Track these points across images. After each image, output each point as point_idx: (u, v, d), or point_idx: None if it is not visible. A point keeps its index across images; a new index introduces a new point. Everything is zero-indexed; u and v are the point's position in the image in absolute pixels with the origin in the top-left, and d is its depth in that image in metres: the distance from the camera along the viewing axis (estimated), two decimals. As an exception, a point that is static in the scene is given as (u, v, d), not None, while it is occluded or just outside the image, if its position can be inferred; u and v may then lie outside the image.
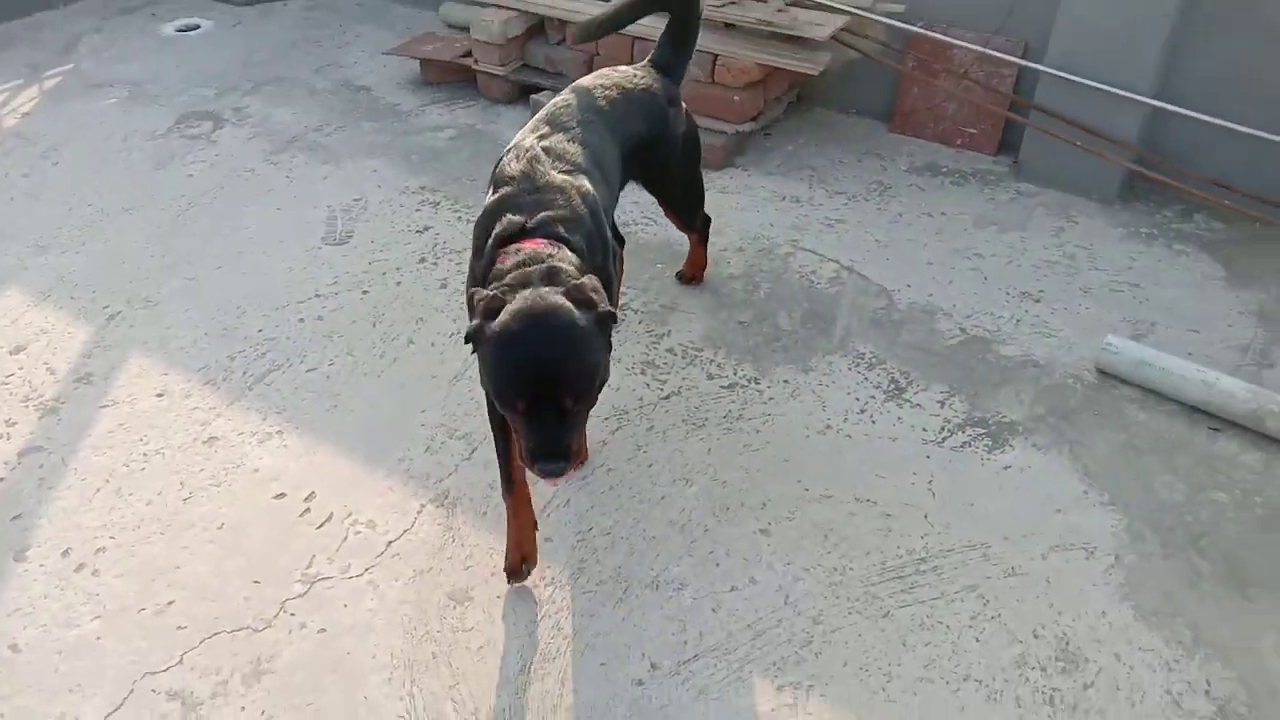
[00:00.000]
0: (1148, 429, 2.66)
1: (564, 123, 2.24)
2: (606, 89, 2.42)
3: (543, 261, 1.87)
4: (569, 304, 1.77)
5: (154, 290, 3.12)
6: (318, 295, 3.11)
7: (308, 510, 2.40)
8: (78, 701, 1.98)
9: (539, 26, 4.12)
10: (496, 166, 2.19)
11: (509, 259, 1.90)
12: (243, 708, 1.98)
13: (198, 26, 4.93)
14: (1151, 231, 3.47)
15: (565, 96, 2.37)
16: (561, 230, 1.97)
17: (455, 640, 2.11)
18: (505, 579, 2.20)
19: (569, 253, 1.93)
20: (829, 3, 3.66)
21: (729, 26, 3.72)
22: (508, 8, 4.01)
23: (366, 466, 2.52)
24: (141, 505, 2.40)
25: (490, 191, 2.14)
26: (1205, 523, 2.40)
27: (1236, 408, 2.61)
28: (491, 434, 2.18)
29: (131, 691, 2.00)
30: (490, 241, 1.98)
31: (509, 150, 2.20)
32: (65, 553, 2.28)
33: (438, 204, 3.57)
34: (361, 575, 2.25)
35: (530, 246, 1.92)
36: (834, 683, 2.03)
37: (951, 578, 2.25)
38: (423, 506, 2.42)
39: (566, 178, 2.08)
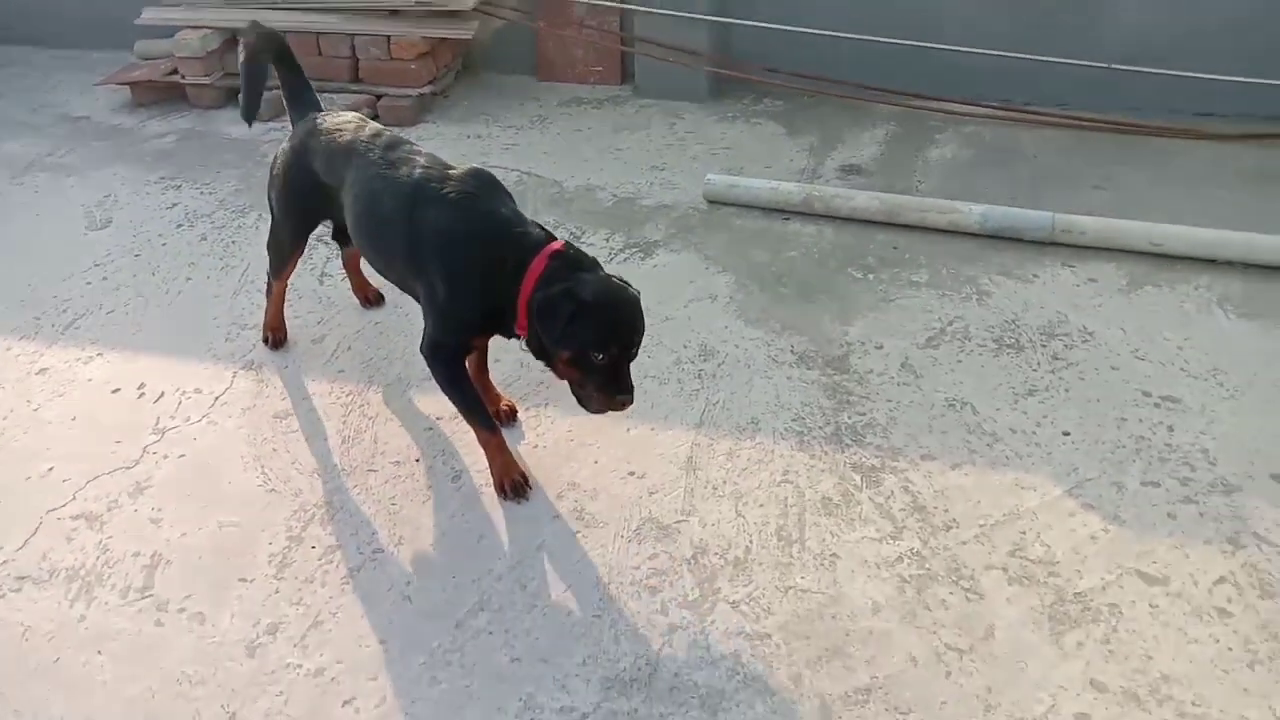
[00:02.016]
0: (744, 227, 3.85)
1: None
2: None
3: (584, 260, 2.46)
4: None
5: (-57, 288, 3.59)
6: (96, 265, 3.71)
7: (143, 394, 3.06)
8: (-2, 538, 2.58)
9: (233, 39, 4.83)
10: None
11: (546, 262, 2.41)
12: (135, 510, 2.65)
13: (-108, 95, 5.20)
14: (736, 115, 4.76)
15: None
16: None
17: (288, 439, 2.88)
18: (505, 498, 2.63)
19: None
20: (470, -17, 4.68)
21: (394, 13, 4.66)
22: (205, 27, 4.72)
23: (181, 359, 3.20)
24: (-2, 420, 2.97)
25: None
26: (784, 269, 3.60)
27: (793, 199, 3.85)
28: (458, 398, 2.62)
29: (41, 523, 2.62)
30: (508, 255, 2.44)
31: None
32: (-57, 463, 2.82)
33: (179, 186, 4.23)
34: (201, 420, 2.95)
35: (557, 249, 2.44)
36: (562, 400, 2.94)
37: (627, 329, 3.28)
38: (236, 373, 3.14)
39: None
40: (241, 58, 3.10)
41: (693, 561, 2.45)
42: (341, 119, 2.89)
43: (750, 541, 2.50)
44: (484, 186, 2.58)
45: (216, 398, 3.04)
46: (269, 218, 3.10)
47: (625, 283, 2.48)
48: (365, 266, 3.34)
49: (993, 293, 3.42)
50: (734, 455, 2.77)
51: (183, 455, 2.82)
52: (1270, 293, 3.36)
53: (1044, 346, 3.16)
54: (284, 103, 3.13)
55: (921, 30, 4.56)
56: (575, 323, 2.33)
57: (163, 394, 3.06)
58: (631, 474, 2.72)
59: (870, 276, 3.53)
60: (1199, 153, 4.26)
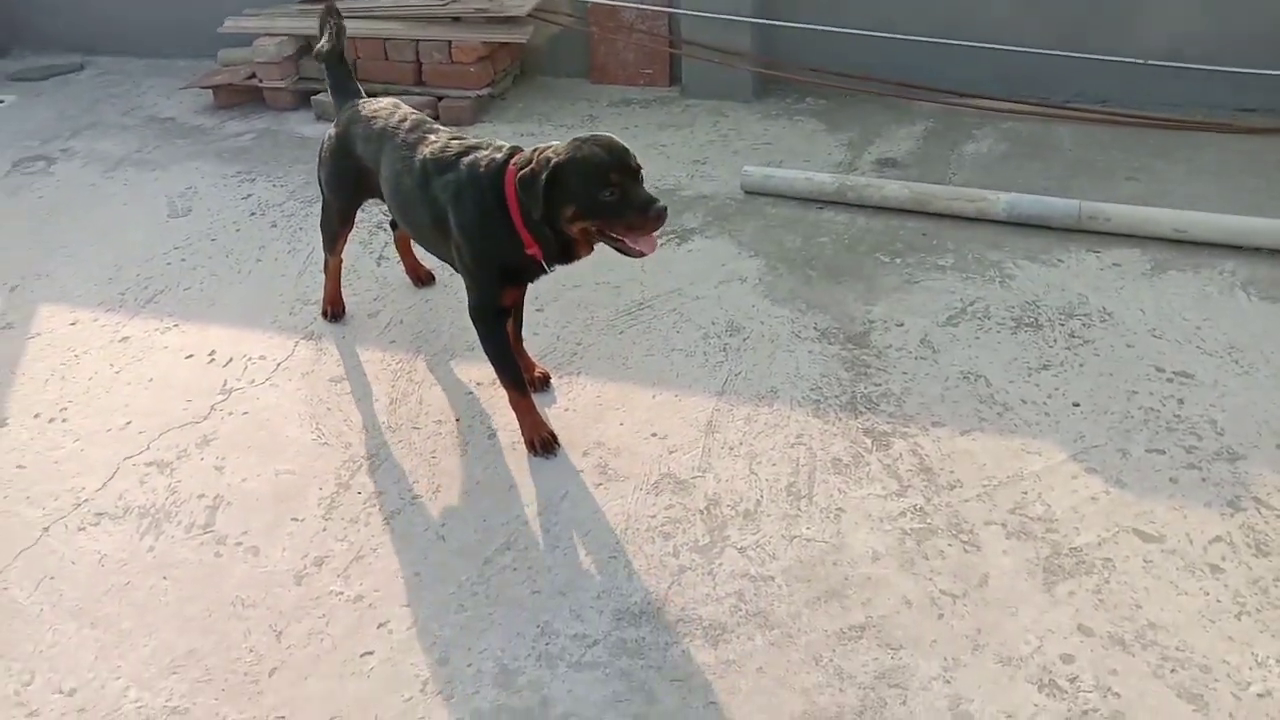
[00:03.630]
0: (778, 215, 4.01)
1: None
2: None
3: (544, 146, 2.56)
4: None
5: (42, 267, 3.94)
6: (176, 248, 4.03)
7: (213, 360, 3.34)
8: (81, 480, 2.86)
9: (307, 46, 5.18)
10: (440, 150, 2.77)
11: (514, 172, 2.56)
12: (202, 458, 2.91)
13: (2, 101, 5.66)
14: (778, 113, 4.93)
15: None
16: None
17: (341, 400, 3.12)
18: (535, 453, 2.82)
19: None
20: (524, -9, 4.95)
21: (455, 20, 4.94)
22: (280, 34, 5.07)
23: (248, 329, 3.48)
24: (85, 380, 3.27)
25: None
26: (814, 254, 3.74)
27: (827, 189, 4.00)
28: (495, 359, 2.81)
29: (118, 469, 2.89)
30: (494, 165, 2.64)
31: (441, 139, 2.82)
32: (36, 415, 3.12)
33: (254, 179, 4.56)
34: (264, 382, 3.22)
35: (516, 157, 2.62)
36: (592, 369, 3.18)
37: (659, 308, 3.46)
38: (297, 342, 3.41)
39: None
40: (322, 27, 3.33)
41: (705, 512, 2.61)
42: (378, 105, 3.13)
43: (761, 496, 2.65)
44: (477, 144, 2.76)
45: (279, 364, 3.30)
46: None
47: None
48: (418, 248, 3.59)
49: (1016, 275, 3.52)
50: (752, 420, 2.92)
51: (246, 413, 3.08)
52: (1297, 277, 3.39)
53: (1062, 325, 3.25)
54: (329, 93, 3.38)
55: (962, 29, 4.67)
56: (564, 179, 2.43)
57: (231, 360, 3.33)
58: (654, 435, 2.89)
59: (898, 260, 3.66)
60: (1235, 146, 4.29)
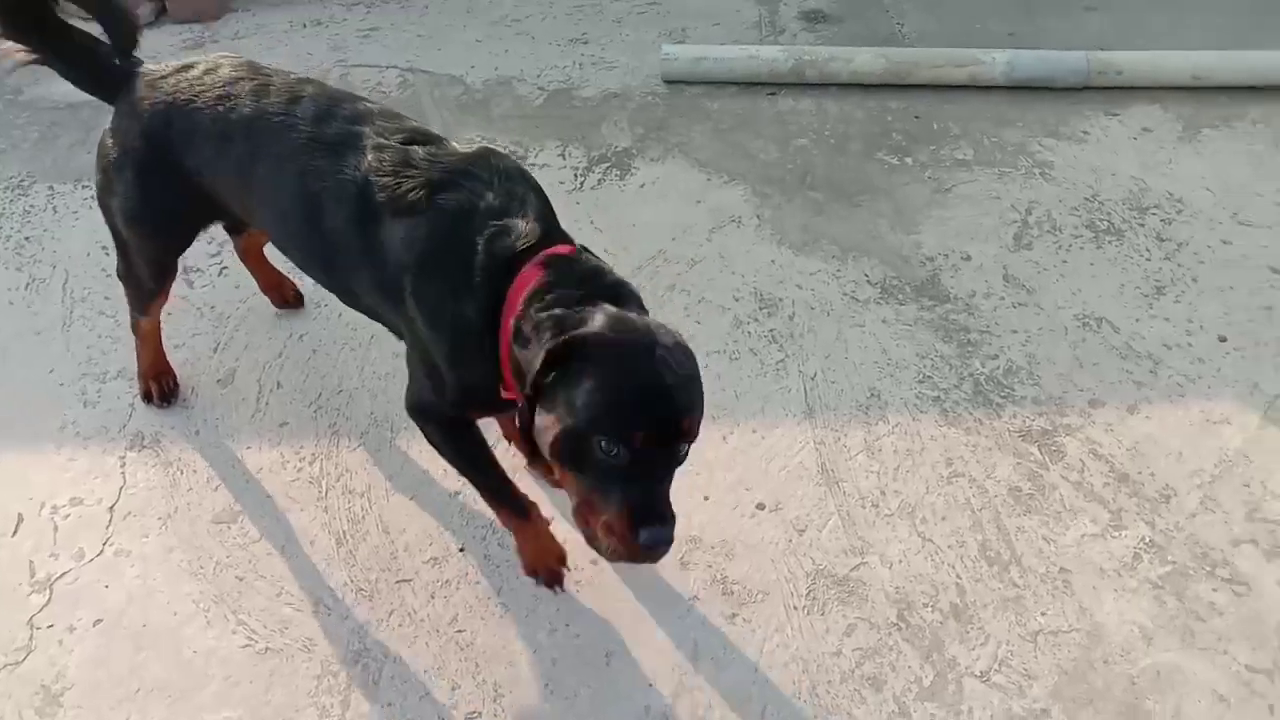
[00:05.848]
0: (725, 111, 3.04)
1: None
2: None
3: (604, 274, 1.52)
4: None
5: None
6: None
7: (-13, 526, 1.99)
8: None
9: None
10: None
11: (539, 273, 1.49)
12: (60, 736, 1.69)
13: None
14: (641, -45, 3.80)
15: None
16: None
17: (250, 554, 1.95)
18: (545, 587, 1.87)
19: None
20: None
21: None
22: None
23: (28, 455, 2.12)
24: None
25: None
26: (802, 165, 2.86)
27: (780, 68, 3.06)
28: (468, 470, 1.79)
29: (-97, 802, 1.62)
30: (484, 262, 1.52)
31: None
32: None
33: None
34: (102, 552, 1.95)
35: (559, 253, 1.53)
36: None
37: (651, 286, 2.47)
38: (123, 458, 2.11)
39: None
40: None
41: (902, 625, 1.83)
42: (219, 74, 1.81)
43: (957, 576, 1.90)
44: (467, 168, 1.62)
45: (111, 508, 2.02)
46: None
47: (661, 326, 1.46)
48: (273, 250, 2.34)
49: (1053, 162, 2.86)
50: (874, 450, 2.12)
51: (99, 620, 1.84)
52: (1324, 117, 2.99)
53: (1140, 225, 2.65)
54: (69, 76, 1.91)
55: None
56: (571, 377, 1.38)
57: (20, 519, 2.00)
58: (760, 507, 2.02)
59: (908, 160, 2.87)
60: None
